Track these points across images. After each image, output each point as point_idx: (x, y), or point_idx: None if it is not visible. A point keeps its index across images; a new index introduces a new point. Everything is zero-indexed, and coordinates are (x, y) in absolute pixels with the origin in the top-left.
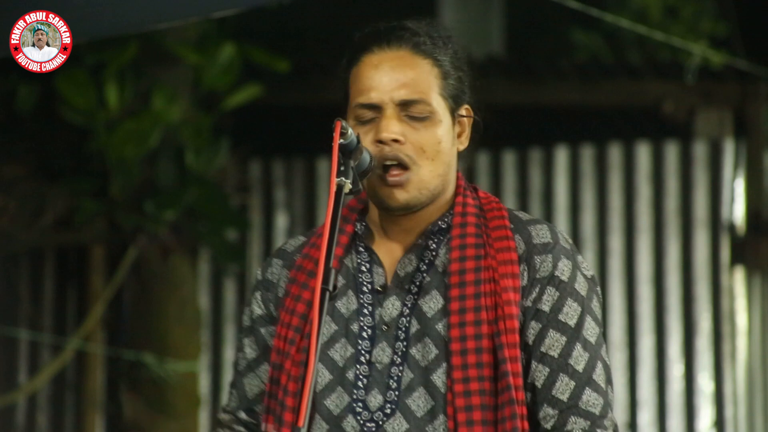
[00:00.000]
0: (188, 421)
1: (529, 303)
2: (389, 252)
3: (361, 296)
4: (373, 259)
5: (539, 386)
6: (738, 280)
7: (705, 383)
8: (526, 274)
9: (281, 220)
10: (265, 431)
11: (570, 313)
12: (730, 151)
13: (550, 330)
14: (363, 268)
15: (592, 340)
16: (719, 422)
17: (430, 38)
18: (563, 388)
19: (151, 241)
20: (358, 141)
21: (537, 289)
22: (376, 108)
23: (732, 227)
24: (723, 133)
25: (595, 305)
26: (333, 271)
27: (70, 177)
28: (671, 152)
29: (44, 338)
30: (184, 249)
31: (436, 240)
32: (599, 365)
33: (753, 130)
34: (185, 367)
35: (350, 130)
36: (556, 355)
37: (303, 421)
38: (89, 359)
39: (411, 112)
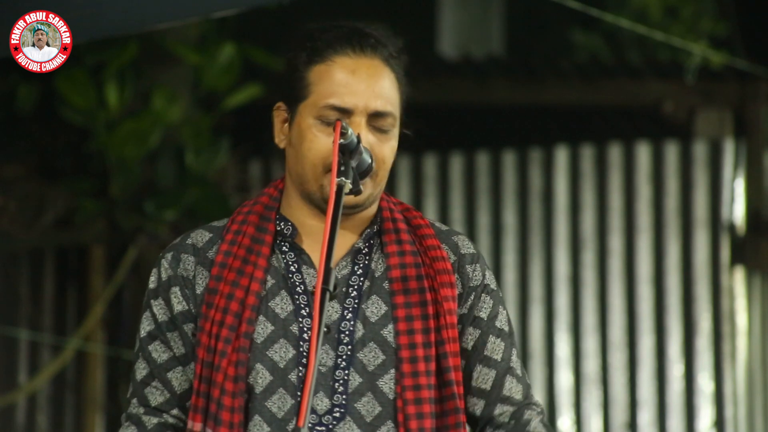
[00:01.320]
0: None
1: (465, 310)
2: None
3: (297, 297)
4: (303, 260)
5: (488, 388)
6: (738, 280)
7: (705, 383)
8: (459, 283)
9: None
10: (192, 429)
11: (502, 319)
12: (730, 151)
13: (490, 336)
14: (292, 269)
15: (518, 344)
16: (719, 422)
17: (393, 50)
18: (515, 388)
19: (151, 241)
20: (358, 141)
21: (472, 297)
22: (347, 112)
23: (732, 227)
24: (723, 133)
25: None
26: (333, 272)
27: (70, 177)
28: (671, 152)
29: (44, 338)
30: None
31: (367, 244)
32: (523, 366)
33: (753, 130)
34: None
35: (350, 130)
36: (499, 359)
37: (303, 421)
38: (89, 359)
39: (378, 124)
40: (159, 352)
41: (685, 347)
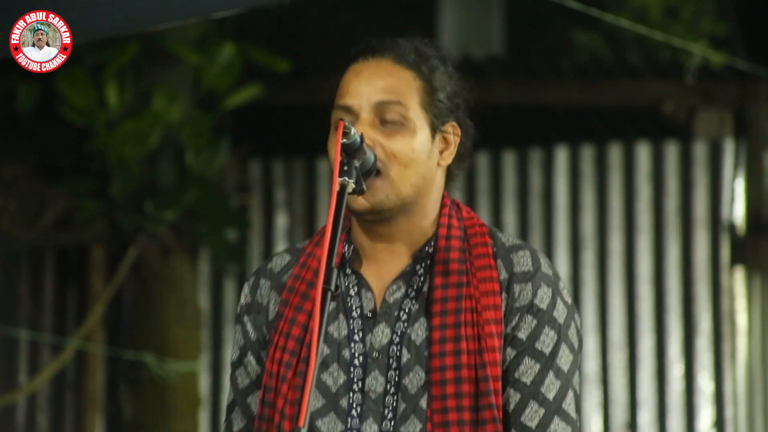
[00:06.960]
0: (188, 421)
1: (508, 330)
2: (378, 277)
3: (351, 321)
4: (361, 283)
5: (509, 412)
6: (738, 280)
7: (705, 383)
8: (505, 302)
9: (281, 220)
10: None
11: (546, 341)
12: (730, 151)
13: (525, 357)
14: (351, 292)
15: (565, 368)
16: (719, 422)
17: (416, 52)
18: (532, 415)
19: (151, 241)
20: (362, 141)
21: (516, 318)
22: (353, 112)
23: (732, 227)
24: (723, 133)
25: (572, 333)
26: (335, 272)
27: (70, 177)
28: (671, 152)
29: (44, 338)
30: (184, 249)
31: (423, 265)
32: (570, 394)
33: (753, 130)
34: (185, 367)
35: (353, 130)
36: (528, 382)
37: (303, 421)
38: (89, 359)
39: (385, 116)
40: (242, 377)
41: (685, 347)
